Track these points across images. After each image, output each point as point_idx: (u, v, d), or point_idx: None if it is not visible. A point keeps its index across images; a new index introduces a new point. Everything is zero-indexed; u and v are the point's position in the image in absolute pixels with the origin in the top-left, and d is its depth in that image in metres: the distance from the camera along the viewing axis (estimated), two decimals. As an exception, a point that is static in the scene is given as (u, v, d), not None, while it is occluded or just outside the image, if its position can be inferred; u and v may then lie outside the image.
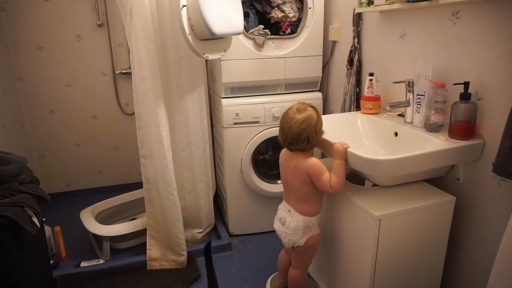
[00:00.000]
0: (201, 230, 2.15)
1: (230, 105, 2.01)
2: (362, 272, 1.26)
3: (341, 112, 1.93)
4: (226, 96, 2.05)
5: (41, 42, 2.46)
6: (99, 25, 2.52)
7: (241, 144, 2.07)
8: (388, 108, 1.39)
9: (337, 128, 1.56)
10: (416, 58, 1.46)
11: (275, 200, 2.16)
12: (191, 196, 2.07)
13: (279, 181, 2.18)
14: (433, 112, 1.29)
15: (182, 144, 1.98)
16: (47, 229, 2.07)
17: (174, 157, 1.94)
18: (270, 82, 2.06)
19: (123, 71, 2.63)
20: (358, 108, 1.84)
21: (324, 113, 2.19)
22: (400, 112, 1.56)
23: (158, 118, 1.76)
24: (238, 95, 2.05)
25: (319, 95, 2.14)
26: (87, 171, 2.80)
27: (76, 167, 2.76)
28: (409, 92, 1.41)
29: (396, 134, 1.43)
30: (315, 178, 1.28)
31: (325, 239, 1.49)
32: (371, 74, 1.60)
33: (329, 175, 1.26)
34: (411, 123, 1.42)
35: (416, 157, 1.12)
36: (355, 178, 1.46)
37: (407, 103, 1.41)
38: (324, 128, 1.39)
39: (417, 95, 1.36)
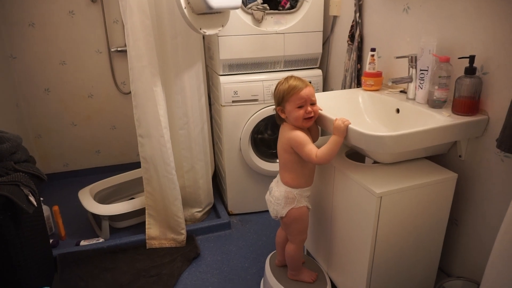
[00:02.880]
0: (200, 209, 2.15)
1: (228, 83, 1.97)
2: (362, 249, 1.26)
3: (341, 89, 1.90)
4: (224, 74, 2.00)
5: (33, 18, 2.38)
6: (92, 0, 2.44)
7: (240, 123, 2.04)
8: (390, 84, 1.35)
9: (337, 105, 1.53)
10: (420, 32, 1.41)
11: (273, 178, 2.14)
12: (189, 175, 2.06)
13: (278, 160, 2.17)
14: (436, 87, 1.26)
15: (180, 122, 1.95)
16: (45, 208, 2.07)
17: (172, 136, 1.92)
18: (269, 59, 2.01)
19: (119, 49, 2.56)
20: (359, 85, 1.81)
21: (324, 90, 2.15)
22: (402, 89, 1.52)
23: (155, 96, 1.73)
24: (236, 72, 2.01)
25: (319, 72, 2.09)
26: (85, 151, 2.77)
27: (74, 147, 2.74)
28: (412, 67, 1.37)
29: (398, 110, 1.40)
30: (298, 149, 1.26)
31: (324, 216, 1.49)
32: (373, 50, 1.56)
33: (314, 147, 1.24)
34: (414, 99, 1.39)
35: (418, 133, 1.10)
36: (355, 155, 1.44)
37: (409, 79, 1.38)
38: (323, 105, 1.36)
39: (420, 70, 1.32)
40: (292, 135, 1.27)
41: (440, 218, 1.28)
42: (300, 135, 1.26)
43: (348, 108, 1.54)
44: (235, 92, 1.97)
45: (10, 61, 2.42)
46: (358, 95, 1.59)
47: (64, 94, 2.60)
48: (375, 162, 1.35)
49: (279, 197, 1.35)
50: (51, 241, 1.97)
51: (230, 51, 1.93)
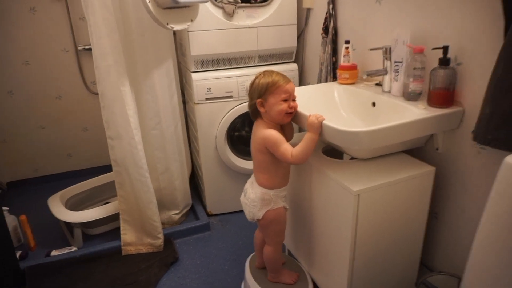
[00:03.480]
0: (177, 211, 2.08)
1: (201, 80, 1.89)
2: (342, 247, 1.22)
3: (317, 83, 1.85)
4: (196, 70, 1.93)
5: (-9, 16, 2.24)
6: (55, -4, 2.31)
7: (215, 121, 1.97)
8: (365, 77, 1.32)
9: (313, 100, 1.48)
10: (393, 23, 1.38)
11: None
12: (164, 177, 1.99)
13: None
14: (411, 79, 1.23)
15: (152, 123, 1.86)
16: (12, 218, 1.96)
17: (144, 137, 1.83)
18: (243, 54, 1.94)
19: (86, 47, 2.44)
20: (335, 78, 1.76)
21: (300, 85, 2.10)
22: (378, 81, 1.49)
23: (122, 96, 1.64)
24: (209, 69, 1.94)
25: (294, 66, 2.04)
26: (55, 155, 2.65)
27: (43, 151, 2.61)
28: (387, 59, 1.33)
29: (373, 104, 1.37)
30: (273, 149, 1.22)
31: (301, 215, 1.45)
32: (347, 42, 1.52)
33: (289, 146, 1.20)
34: (389, 92, 1.35)
35: (394, 127, 1.06)
36: (333, 151, 1.40)
37: (384, 71, 1.34)
38: (299, 100, 1.31)
39: (395, 62, 1.28)
40: (266, 135, 1.21)
41: (419, 212, 1.26)
42: (275, 134, 1.20)
43: (324, 103, 1.49)
44: (208, 89, 1.90)
45: (-33, 62, 2.27)
46: (334, 89, 1.55)
47: (30, 96, 2.46)
48: (352, 158, 1.32)
49: (254, 199, 1.29)
50: (19, 253, 1.86)
51: (201, 46, 1.85)
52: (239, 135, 2.18)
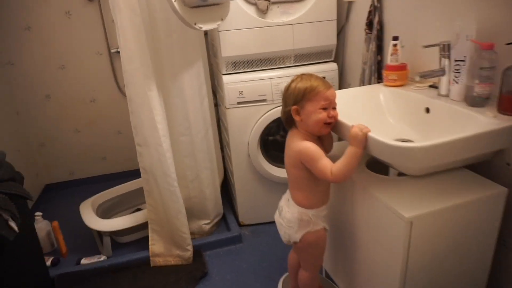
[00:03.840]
0: (208, 221, 1.98)
1: (232, 83, 1.77)
2: (389, 277, 1.05)
3: (360, 85, 1.67)
4: (227, 73, 1.81)
5: (29, 21, 2.26)
6: (89, -1, 2.30)
7: (247, 126, 1.85)
8: (418, 79, 1.13)
9: (355, 104, 1.31)
10: (453, 15, 1.17)
11: (287, 186, 1.95)
12: (194, 185, 1.89)
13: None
14: (477, 81, 1.02)
15: (181, 128, 1.77)
16: (46, 223, 1.96)
17: (173, 144, 1.75)
18: (277, 54, 1.80)
19: (119, 50, 2.40)
20: (380, 79, 1.57)
21: (340, 87, 1.92)
22: (432, 83, 1.29)
23: (149, 100, 1.56)
24: (241, 71, 1.81)
25: (334, 66, 1.87)
26: (90, 158, 2.66)
27: (79, 155, 2.63)
28: (445, 57, 1.13)
29: (427, 110, 1.17)
30: (309, 165, 1.07)
31: (342, 236, 1.28)
32: (396, 38, 1.33)
33: (329, 162, 1.04)
34: (447, 96, 1.15)
35: (458, 142, 0.88)
36: (378, 164, 1.22)
37: (441, 72, 1.14)
38: (339, 104, 1.14)
39: (456, 60, 1.08)
40: (301, 148, 1.07)
41: (485, 240, 1.05)
42: (312, 148, 1.05)
43: (368, 108, 1.32)
44: (240, 93, 1.78)
45: (7, 68, 2.32)
46: (379, 92, 1.36)
47: (65, 100, 2.48)
48: (401, 173, 1.13)
49: (291, 219, 1.15)
50: (51, 259, 1.86)
51: (233, 47, 1.73)
52: (273, 140, 2.04)
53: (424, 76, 1.13)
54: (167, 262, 1.79)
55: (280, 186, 1.97)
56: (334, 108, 1.09)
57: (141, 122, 1.62)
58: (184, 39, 1.65)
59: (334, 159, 1.06)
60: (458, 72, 1.08)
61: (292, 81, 1.11)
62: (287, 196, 1.22)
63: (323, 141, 1.18)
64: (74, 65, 2.42)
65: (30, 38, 2.29)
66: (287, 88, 1.11)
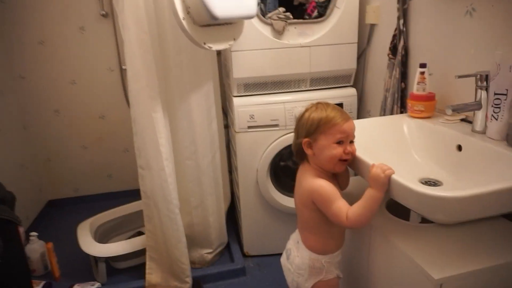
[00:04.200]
0: (210, 250, 1.85)
1: (243, 106, 1.67)
2: None
3: (380, 113, 1.54)
4: (239, 95, 1.71)
5: (42, 36, 2.24)
6: (103, 15, 2.26)
7: (257, 152, 1.73)
8: (449, 112, 0.99)
9: (376, 136, 1.18)
10: (492, 42, 1.04)
11: (296, 217, 1.81)
12: (198, 211, 1.77)
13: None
14: (520, 119, 0.89)
15: (187, 152, 1.67)
16: (40, 244, 1.86)
17: (178, 168, 1.65)
18: (292, 77, 1.70)
19: (131, 66, 2.36)
20: (402, 108, 1.44)
21: (359, 115, 1.80)
22: (463, 116, 1.15)
23: (154, 123, 1.47)
24: (253, 93, 1.71)
25: (352, 91, 1.75)
26: (96, 176, 2.58)
27: (84, 171, 2.55)
28: (481, 89, 1.00)
29: (459, 148, 1.03)
30: (322, 207, 0.94)
31: (356, 285, 1.13)
32: (423, 66, 1.20)
33: (345, 204, 0.91)
34: (483, 133, 1.01)
35: (503, 192, 0.73)
36: (398, 204, 1.08)
37: (477, 106, 1.01)
38: (358, 135, 1.02)
39: (495, 94, 0.95)
40: (314, 187, 0.94)
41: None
42: (326, 187, 0.93)
43: (391, 141, 1.18)
44: (251, 116, 1.67)
45: (18, 81, 2.29)
46: (403, 123, 1.23)
47: (74, 115, 2.42)
48: (424, 219, 0.99)
49: (301, 266, 1.01)
50: (42, 283, 1.75)
51: (245, 68, 1.64)
52: (285, 166, 1.91)
53: (457, 109, 0.99)
54: (164, 294, 1.66)
55: (289, 217, 1.83)
56: (352, 142, 0.97)
57: (145, 145, 1.52)
58: (195, 58, 1.57)
59: (348, 197, 0.93)
60: (498, 107, 0.95)
61: (306, 110, 1.00)
62: (296, 237, 1.08)
63: (338, 177, 1.05)
64: (85, 81, 2.37)
65: (42, 52, 2.26)
66: (300, 117, 0.99)
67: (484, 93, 0.99)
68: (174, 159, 1.62)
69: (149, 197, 1.60)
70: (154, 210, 1.61)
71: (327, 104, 0.98)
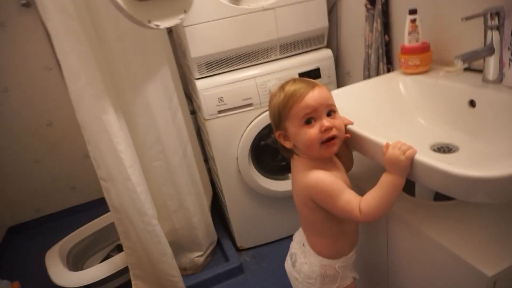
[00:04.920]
0: (201, 253, 1.68)
1: (208, 88, 1.45)
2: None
3: (364, 74, 1.37)
4: (201, 76, 1.48)
5: (-47, 40, 1.87)
6: (24, 4, 1.90)
7: (234, 138, 1.53)
8: (460, 64, 0.83)
9: (369, 103, 1.02)
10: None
11: (287, 200, 1.66)
12: (178, 215, 1.58)
13: (290, 175, 1.66)
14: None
15: (152, 153, 1.44)
16: (5, 284, 1.61)
17: (146, 172, 1.42)
18: (259, 46, 1.48)
19: (71, 61, 2.04)
20: (389, 65, 1.28)
21: (338, 78, 1.62)
22: (465, 65, 0.99)
23: (106, 127, 1.22)
24: (217, 72, 1.49)
25: (328, 53, 1.55)
26: (57, 190, 2.30)
27: (43, 188, 2.26)
28: (493, 30, 0.83)
29: (472, 103, 0.88)
30: (326, 204, 0.77)
31: (377, 283, 1.00)
32: (413, 12, 1.02)
33: (354, 195, 0.74)
34: (499, 82, 0.86)
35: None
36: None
37: (489, 50, 0.85)
38: (344, 106, 0.84)
39: (513, 34, 0.79)
40: (310, 181, 0.76)
41: None
42: (325, 180, 0.76)
43: (388, 107, 1.02)
44: (220, 99, 1.45)
45: None
46: (398, 82, 1.06)
47: (16, 128, 2.10)
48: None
49: (310, 274, 0.85)
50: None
51: (203, 44, 1.40)
52: (265, 145, 1.73)
53: (468, 59, 0.83)
54: (158, 311, 1.49)
55: (279, 201, 1.68)
56: (333, 113, 0.78)
57: (101, 153, 1.28)
58: (141, 42, 1.31)
59: (357, 189, 0.76)
60: (516, 49, 0.79)
61: (271, 96, 0.82)
62: (300, 238, 0.92)
63: (340, 158, 0.87)
64: (19, 86, 2.04)
65: (-42, 60, 1.90)
66: (268, 106, 0.83)
67: (496, 34, 0.83)
68: (140, 164, 1.39)
69: (120, 211, 1.38)
70: (129, 225, 1.40)
71: (287, 82, 0.80)
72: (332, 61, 1.55)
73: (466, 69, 0.99)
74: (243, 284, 1.60)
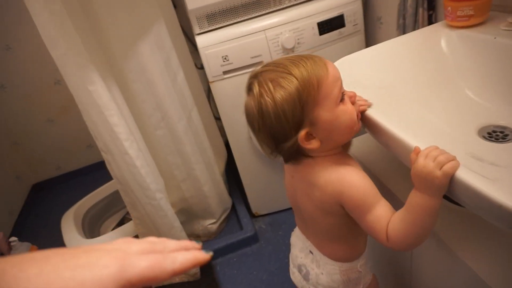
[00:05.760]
0: (214, 220, 1.61)
1: (211, 45, 1.24)
2: None
3: (398, 22, 1.10)
4: (202, 31, 1.27)
5: None
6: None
7: (243, 102, 1.35)
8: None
9: (397, 66, 0.80)
10: None
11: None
12: (187, 184, 1.48)
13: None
14: None
15: (153, 121, 1.31)
16: (25, 247, 1.65)
17: (148, 142, 1.31)
18: (269, -9, 1.23)
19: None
20: (431, 10, 1.01)
21: (367, 27, 1.35)
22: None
23: (94, 98, 1.09)
24: (221, 25, 1.27)
25: (354, -5, 1.27)
26: (75, 148, 2.28)
27: (59, 147, 2.24)
28: None
29: (543, 73, 0.65)
30: (352, 213, 0.61)
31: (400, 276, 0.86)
32: None
33: (386, 213, 0.57)
34: None
35: None
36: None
37: None
38: (370, 71, 0.65)
39: None
40: (344, 185, 0.60)
41: None
42: (364, 186, 0.59)
43: (423, 73, 0.79)
44: (225, 58, 1.26)
45: None
46: (440, 38, 0.82)
47: (23, 87, 2.02)
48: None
49: (331, 284, 0.72)
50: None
51: (202, -8, 1.18)
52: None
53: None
54: (170, 280, 1.47)
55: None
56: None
57: (95, 126, 1.17)
58: (127, -6, 1.11)
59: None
60: None
61: (255, 97, 0.58)
62: (301, 245, 0.78)
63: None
64: (22, 44, 1.91)
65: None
66: (260, 113, 0.58)
67: None
68: (141, 133, 1.27)
69: (123, 183, 1.30)
70: (134, 197, 1.32)
71: (277, 64, 0.58)
72: (359, 4, 1.27)
73: (538, 21, 0.73)
74: (257, 253, 1.53)
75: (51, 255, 0.29)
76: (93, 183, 1.85)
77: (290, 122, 0.57)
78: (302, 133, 0.58)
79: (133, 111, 1.25)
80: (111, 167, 1.28)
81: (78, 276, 0.27)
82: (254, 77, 0.60)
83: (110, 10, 1.09)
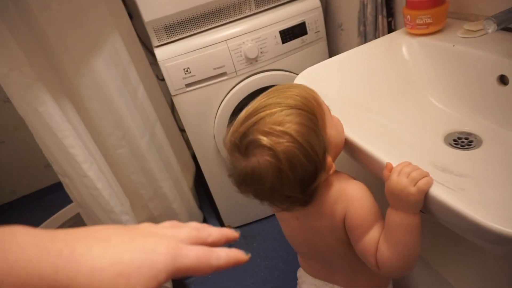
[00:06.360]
0: (185, 237, 1.55)
1: (171, 58, 1.19)
2: None
3: (359, 28, 1.11)
4: (161, 43, 1.22)
5: None
6: None
7: (208, 115, 1.31)
8: (492, 28, 0.59)
9: (358, 78, 0.79)
10: None
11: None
12: (155, 203, 1.42)
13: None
14: None
15: (113, 140, 1.24)
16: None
17: (110, 162, 1.23)
18: (229, 0, 1.20)
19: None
20: (390, 18, 1.02)
21: (329, 33, 1.35)
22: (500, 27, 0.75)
23: (45, 120, 1.01)
24: (180, 36, 1.22)
25: (315, 2, 1.27)
26: (30, 170, 2.13)
27: (15, 169, 2.09)
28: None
29: (502, 79, 0.66)
30: (354, 234, 0.56)
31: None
32: (424, -52, 0.75)
33: (377, 238, 0.54)
34: (541, 50, 0.63)
35: None
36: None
37: (531, 7, 0.61)
38: (326, 83, 0.65)
39: None
40: (356, 194, 0.56)
41: None
42: (369, 202, 0.55)
43: (386, 81, 0.79)
44: (187, 70, 1.21)
45: None
46: (401, 46, 0.82)
47: (-32, 108, 1.87)
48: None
49: None
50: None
51: (158, 3, 1.12)
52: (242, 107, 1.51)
53: (506, 20, 0.59)
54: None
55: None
56: None
57: (49, 149, 1.08)
58: (75, 5, 1.03)
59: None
60: None
61: (276, 145, 0.50)
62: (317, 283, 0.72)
63: None
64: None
65: None
66: (280, 162, 0.49)
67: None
68: (102, 153, 1.20)
69: (85, 207, 1.21)
70: (97, 220, 1.24)
71: (266, 107, 0.52)
72: (320, 12, 1.27)
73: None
74: (233, 268, 1.48)
75: (112, 235, 0.30)
76: (52, 207, 1.73)
77: (319, 154, 0.51)
78: (329, 159, 0.53)
79: (91, 130, 1.17)
80: (70, 190, 1.19)
81: (137, 261, 0.29)
82: (244, 136, 0.51)
83: (57, 26, 1.02)
